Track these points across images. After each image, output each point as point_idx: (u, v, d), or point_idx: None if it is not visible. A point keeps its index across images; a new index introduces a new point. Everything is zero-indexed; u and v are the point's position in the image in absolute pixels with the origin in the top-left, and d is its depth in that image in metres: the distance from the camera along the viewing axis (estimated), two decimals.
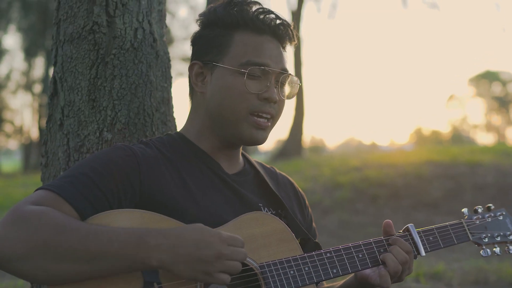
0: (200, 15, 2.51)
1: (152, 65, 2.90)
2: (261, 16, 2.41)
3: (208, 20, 2.46)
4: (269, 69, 2.36)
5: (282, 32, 2.45)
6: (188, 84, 2.56)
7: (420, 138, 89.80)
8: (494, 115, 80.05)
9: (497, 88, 76.63)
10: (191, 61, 2.49)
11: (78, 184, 2.08)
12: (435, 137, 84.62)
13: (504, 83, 74.92)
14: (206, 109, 2.44)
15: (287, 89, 2.50)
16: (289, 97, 2.52)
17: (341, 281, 2.59)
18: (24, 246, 1.86)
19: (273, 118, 2.44)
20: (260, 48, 2.38)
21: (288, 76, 2.46)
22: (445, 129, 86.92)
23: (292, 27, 2.50)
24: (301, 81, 24.93)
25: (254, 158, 2.77)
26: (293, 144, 24.95)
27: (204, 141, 2.46)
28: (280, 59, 2.42)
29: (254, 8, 2.43)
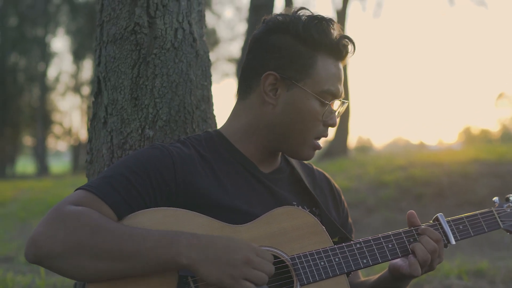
0: (280, 20, 2.44)
1: (192, 64, 2.96)
2: (342, 42, 2.41)
3: (294, 30, 2.39)
4: (344, 101, 2.45)
5: (348, 55, 2.47)
6: (239, 83, 2.54)
7: (468, 137, 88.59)
8: None
9: None
10: (263, 67, 2.43)
11: (115, 184, 2.15)
12: (484, 136, 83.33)
13: None
14: (269, 121, 2.43)
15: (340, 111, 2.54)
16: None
17: (376, 275, 2.62)
18: (62, 245, 1.95)
19: None
20: (337, 77, 2.41)
21: (344, 101, 2.50)
22: (494, 128, 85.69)
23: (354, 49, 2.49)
24: (346, 81, 25.02)
25: None
26: (339, 144, 24.79)
27: (243, 143, 2.48)
28: (342, 85, 2.46)
29: (336, 31, 2.41)
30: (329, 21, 2.41)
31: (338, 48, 2.40)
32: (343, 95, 2.48)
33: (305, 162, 2.80)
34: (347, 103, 2.51)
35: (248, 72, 2.49)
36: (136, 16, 2.85)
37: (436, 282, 5.24)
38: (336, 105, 2.45)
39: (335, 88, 2.40)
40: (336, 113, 2.49)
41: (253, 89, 2.47)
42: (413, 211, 2.46)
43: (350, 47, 2.45)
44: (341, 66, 2.46)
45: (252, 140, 2.48)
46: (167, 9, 2.89)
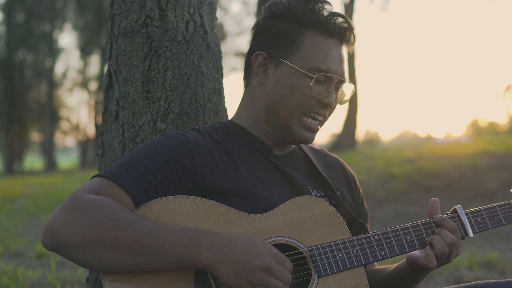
0: (271, 4, 2.49)
1: (203, 56, 2.96)
2: (334, 19, 2.42)
3: (280, 12, 2.44)
4: (335, 76, 2.40)
5: (348, 37, 2.47)
6: (243, 72, 2.59)
7: (476, 129, 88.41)
8: None
9: None
10: (253, 49, 2.50)
11: (133, 171, 2.14)
12: (492, 128, 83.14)
13: None
14: (263, 101, 2.46)
15: (341, 94, 2.52)
16: (341, 103, 2.55)
17: (394, 264, 2.61)
18: (81, 235, 1.93)
19: (324, 121, 2.49)
20: (328, 54, 2.40)
21: (345, 82, 2.49)
22: (502, 120, 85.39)
23: (355, 31, 2.51)
24: (354, 74, 25.07)
25: None
26: (346, 138, 24.83)
27: (256, 128, 2.50)
28: (342, 65, 2.44)
29: (327, 9, 2.43)
30: (318, 0, 2.43)
31: (327, 25, 2.40)
32: (344, 76, 2.46)
33: (318, 148, 2.81)
34: (348, 84, 2.49)
35: (246, 59, 2.56)
36: (147, 8, 2.85)
37: (447, 273, 5.24)
38: (329, 82, 2.42)
39: (325, 66, 2.38)
40: (336, 93, 2.47)
41: (251, 74, 2.52)
42: (437, 199, 2.45)
43: (343, 24, 2.44)
44: (336, 44, 2.45)
45: (261, 127, 2.50)
46: (178, 1, 2.89)
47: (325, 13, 2.42)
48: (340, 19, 2.44)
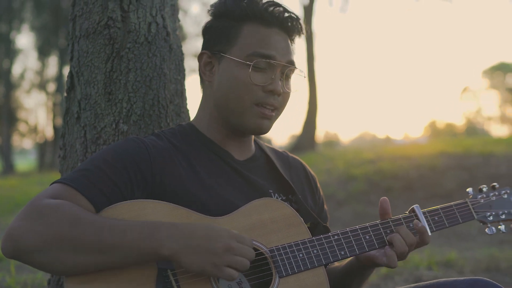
0: (212, 5, 2.53)
1: (165, 58, 2.96)
2: (270, 9, 2.43)
3: (218, 11, 2.49)
4: (274, 62, 2.39)
5: (291, 25, 2.48)
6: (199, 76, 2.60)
7: (434, 131, 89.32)
8: (508, 107, 79.44)
9: (511, 80, 76.08)
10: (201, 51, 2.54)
11: (92, 177, 2.14)
12: (450, 129, 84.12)
13: None
14: (213, 98, 2.48)
15: (292, 81, 2.53)
16: (293, 91, 2.54)
17: (343, 262, 2.62)
18: (41, 239, 1.92)
19: (277, 110, 2.48)
20: (266, 40, 2.41)
21: (294, 69, 2.49)
22: (460, 122, 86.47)
23: (300, 20, 2.52)
24: (314, 76, 25.16)
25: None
26: (306, 139, 24.92)
27: (213, 131, 2.51)
28: (287, 52, 2.45)
29: (263, 1, 2.46)
30: None
31: (263, 15, 2.42)
32: (291, 62, 2.46)
33: (280, 150, 2.83)
34: (292, 67, 2.48)
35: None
36: (109, 10, 2.84)
37: (407, 273, 5.31)
38: (272, 69, 2.41)
39: (264, 51, 2.39)
40: (284, 80, 2.46)
41: (202, 76, 2.55)
42: (387, 198, 2.48)
43: (282, 13, 2.45)
44: (277, 33, 2.45)
45: (215, 126, 2.51)
46: (141, 3, 2.89)
47: (261, 4, 2.44)
48: (279, 9, 2.45)
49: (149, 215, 2.10)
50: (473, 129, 77.90)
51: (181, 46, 3.14)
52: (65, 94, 3.02)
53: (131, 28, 2.86)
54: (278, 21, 2.45)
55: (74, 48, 2.94)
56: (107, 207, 2.10)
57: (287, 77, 2.49)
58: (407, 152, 14.71)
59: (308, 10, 25.82)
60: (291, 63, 2.46)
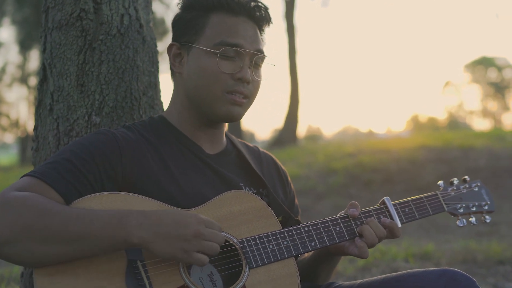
0: None
1: (138, 50, 2.96)
2: None
3: (187, 3, 2.49)
4: (241, 49, 2.40)
5: (259, 15, 2.49)
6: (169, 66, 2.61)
7: (416, 125, 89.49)
8: (490, 101, 79.81)
9: (492, 74, 76.34)
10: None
11: (61, 169, 2.14)
12: (432, 124, 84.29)
13: (499, 69, 74.58)
14: (184, 89, 2.48)
15: (262, 70, 2.53)
16: (263, 79, 2.54)
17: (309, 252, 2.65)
18: (10, 230, 1.92)
19: (248, 98, 2.48)
20: (234, 29, 2.42)
21: (263, 58, 2.50)
22: (442, 116, 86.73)
23: (268, 10, 2.53)
24: (295, 70, 25.07)
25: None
26: (288, 133, 24.87)
27: (184, 123, 2.51)
28: (255, 40, 2.45)
29: None
30: None
31: (229, 4, 2.43)
32: (259, 50, 2.47)
33: (251, 145, 2.84)
34: (261, 55, 2.48)
35: None
36: (82, 2, 2.83)
37: (384, 265, 5.34)
38: (240, 57, 2.42)
39: (231, 40, 2.40)
40: (253, 68, 2.46)
41: (172, 68, 2.56)
42: (357, 203, 2.50)
43: (249, 2, 2.46)
44: (245, 21, 2.46)
45: (187, 118, 2.51)
46: None
47: None
48: None
49: (119, 207, 2.10)
50: (455, 123, 78.17)
51: (155, 39, 3.14)
52: (37, 86, 3.01)
53: (103, 20, 2.85)
54: (245, 10, 2.45)
55: (46, 39, 2.94)
56: (78, 200, 2.10)
57: (257, 66, 2.49)
58: (388, 146, 14.76)
59: (290, 4, 25.74)
60: (260, 51, 2.47)
